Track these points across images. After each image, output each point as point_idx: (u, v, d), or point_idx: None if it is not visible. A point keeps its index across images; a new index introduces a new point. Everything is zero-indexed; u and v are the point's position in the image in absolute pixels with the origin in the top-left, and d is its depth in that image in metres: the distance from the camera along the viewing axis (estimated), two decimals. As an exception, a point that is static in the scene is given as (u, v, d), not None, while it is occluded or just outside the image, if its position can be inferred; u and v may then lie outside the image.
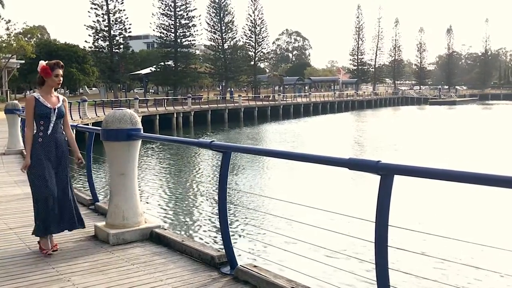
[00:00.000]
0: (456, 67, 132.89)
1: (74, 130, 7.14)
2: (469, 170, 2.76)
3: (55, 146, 5.05)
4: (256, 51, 78.72)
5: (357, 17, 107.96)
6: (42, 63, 5.03)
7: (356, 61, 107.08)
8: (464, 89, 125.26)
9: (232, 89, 75.91)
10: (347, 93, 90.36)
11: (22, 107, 16.06)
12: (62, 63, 5.15)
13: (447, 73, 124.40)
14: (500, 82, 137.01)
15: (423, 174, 3.03)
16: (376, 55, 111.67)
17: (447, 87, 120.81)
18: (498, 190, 2.71)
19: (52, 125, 5.02)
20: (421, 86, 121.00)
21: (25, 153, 5.20)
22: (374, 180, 3.14)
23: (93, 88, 78.45)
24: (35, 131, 5.00)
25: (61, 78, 5.09)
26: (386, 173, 3.06)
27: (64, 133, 5.21)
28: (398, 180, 3.06)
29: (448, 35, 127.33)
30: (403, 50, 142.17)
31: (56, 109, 5.05)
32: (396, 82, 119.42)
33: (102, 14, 59.66)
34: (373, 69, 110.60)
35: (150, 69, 64.65)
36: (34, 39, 56.25)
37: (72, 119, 27.21)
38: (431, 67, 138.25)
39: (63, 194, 5.10)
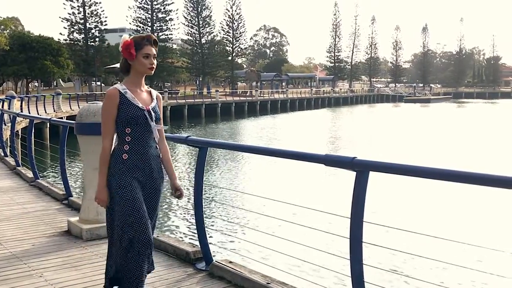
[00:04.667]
0: (431, 65, 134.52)
1: (48, 124, 7.01)
2: (442, 167, 2.79)
3: (147, 168, 3.28)
4: (234, 47, 78.57)
5: (334, 14, 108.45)
6: (125, 37, 3.27)
7: (333, 58, 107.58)
8: (438, 87, 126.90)
9: (210, 84, 75.62)
10: (323, 90, 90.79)
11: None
12: (155, 38, 3.34)
13: (422, 71, 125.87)
14: (473, 81, 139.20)
15: (398, 170, 3.06)
16: (353, 52, 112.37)
17: (422, 85, 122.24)
18: (471, 187, 2.74)
19: (144, 134, 3.26)
20: (397, 84, 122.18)
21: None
22: (350, 176, 3.15)
23: (68, 82, 77.31)
24: (115, 144, 3.30)
25: (154, 61, 3.29)
26: (362, 169, 3.08)
27: (158, 147, 3.40)
28: (374, 177, 3.08)
29: (423, 33, 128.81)
30: (379, 47, 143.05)
31: (151, 111, 3.28)
32: (372, 79, 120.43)
33: (78, 6, 58.96)
34: (350, 66, 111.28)
35: (126, 63, 63.97)
36: (8, 30, 55.27)
37: (46, 112, 26.85)
38: (406, 65, 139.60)
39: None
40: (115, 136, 3.31)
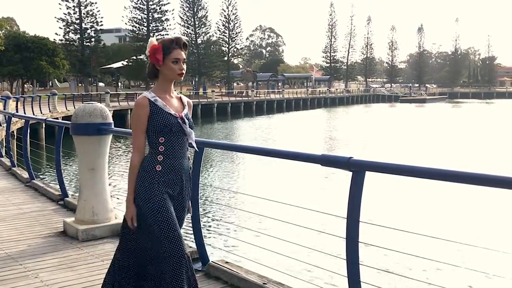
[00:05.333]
0: (427, 65, 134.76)
1: (43, 124, 7.00)
2: (437, 167, 2.80)
3: (179, 182, 3.05)
4: (230, 47, 78.52)
5: (330, 15, 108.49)
6: (153, 41, 3.05)
7: (328, 58, 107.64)
8: (434, 87, 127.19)
9: (206, 85, 75.58)
10: (319, 90, 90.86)
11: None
12: (184, 41, 3.09)
13: (418, 72, 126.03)
14: (469, 81, 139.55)
15: (393, 170, 3.06)
16: (349, 52, 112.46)
17: (417, 85, 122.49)
18: (467, 186, 2.75)
19: (179, 143, 3.03)
20: (392, 84, 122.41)
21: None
22: (347, 176, 3.16)
23: (64, 82, 77.12)
24: (147, 154, 3.06)
25: (184, 66, 3.05)
26: (358, 169, 3.08)
27: (189, 158, 3.20)
28: (370, 177, 3.09)
29: (419, 34, 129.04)
30: (375, 48, 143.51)
31: (184, 118, 3.06)
32: (367, 79, 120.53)
33: (73, 6, 58.71)
34: (346, 67, 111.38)
35: (122, 63, 63.89)
36: (3, 31, 55.05)
37: (41, 113, 26.78)
38: (402, 65, 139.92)
39: None
40: (147, 146, 3.07)
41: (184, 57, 3.05)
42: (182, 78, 3.07)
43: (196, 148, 3.22)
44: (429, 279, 7.00)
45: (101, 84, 74.40)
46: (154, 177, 2.96)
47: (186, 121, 3.05)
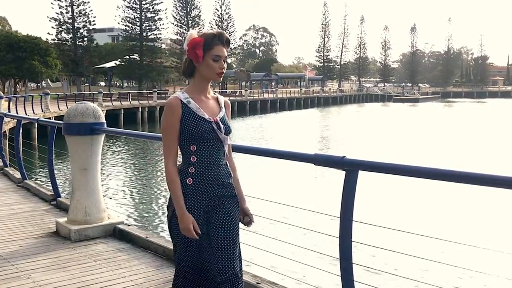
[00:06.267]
0: (419, 65, 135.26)
1: (36, 124, 6.95)
2: (430, 166, 2.81)
3: (216, 192, 2.72)
4: (223, 46, 78.43)
5: (324, 14, 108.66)
6: (193, 34, 2.69)
7: (322, 58, 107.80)
8: (427, 87, 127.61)
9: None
10: (313, 90, 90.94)
11: None
12: (227, 36, 2.76)
13: (411, 71, 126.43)
14: (461, 80, 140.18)
15: (387, 170, 3.07)
16: (342, 52, 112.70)
17: (410, 84, 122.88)
18: (461, 185, 2.76)
19: (213, 151, 2.71)
20: (385, 84, 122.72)
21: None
22: (340, 175, 3.16)
23: (56, 82, 76.80)
24: (180, 165, 2.75)
25: (225, 64, 2.73)
26: (351, 168, 3.09)
27: (228, 164, 2.85)
28: (363, 176, 3.09)
29: (412, 33, 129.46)
30: (368, 47, 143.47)
31: (219, 122, 2.72)
32: (361, 79, 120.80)
33: (66, 6, 58.54)
34: (339, 66, 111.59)
35: (115, 63, 63.69)
36: (-6, 30, 54.71)
37: (34, 112, 26.65)
38: (395, 65, 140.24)
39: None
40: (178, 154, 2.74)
41: (226, 54, 2.73)
42: (221, 78, 2.75)
43: (230, 152, 2.89)
44: (422, 278, 7.03)
45: (102, 84, 73.98)
46: (185, 191, 2.64)
47: (222, 125, 2.71)
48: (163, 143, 2.72)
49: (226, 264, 2.69)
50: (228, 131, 2.75)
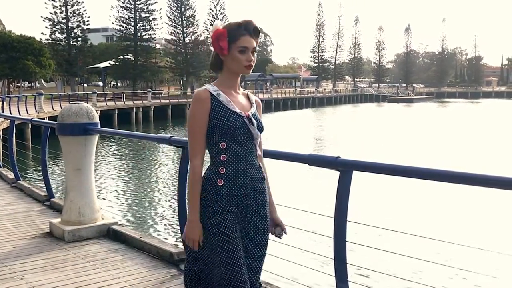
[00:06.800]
0: (414, 65, 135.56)
1: (29, 124, 6.92)
2: (425, 166, 2.81)
3: (249, 196, 2.50)
4: (218, 46, 78.33)
5: (318, 15, 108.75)
6: (217, 25, 2.50)
7: (316, 58, 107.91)
8: (421, 87, 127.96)
9: (194, 84, 75.34)
10: (308, 90, 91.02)
11: None
12: (255, 25, 2.52)
13: (405, 71, 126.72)
14: (456, 81, 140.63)
15: (381, 170, 3.08)
16: (337, 52, 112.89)
17: (404, 85, 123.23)
18: (455, 186, 2.76)
19: (245, 149, 2.49)
20: (380, 84, 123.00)
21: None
22: (334, 175, 3.16)
23: (50, 82, 76.52)
24: (209, 165, 2.54)
25: (254, 57, 2.51)
26: (345, 168, 3.09)
27: (261, 167, 2.64)
28: (358, 176, 3.09)
29: (406, 34, 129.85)
30: (362, 48, 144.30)
31: (252, 119, 2.52)
32: (355, 79, 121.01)
33: (60, 5, 58.28)
34: (334, 67, 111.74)
35: (109, 63, 63.54)
36: (-12, 30, 54.43)
37: (27, 113, 26.54)
38: (389, 65, 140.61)
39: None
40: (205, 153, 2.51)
41: (255, 45, 2.51)
42: (251, 71, 2.54)
43: (261, 154, 2.64)
44: (415, 278, 7.04)
45: (100, 83, 73.66)
46: (215, 193, 2.42)
47: (254, 121, 2.50)
48: (189, 140, 2.49)
49: (254, 278, 2.53)
50: (261, 128, 2.55)
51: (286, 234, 2.70)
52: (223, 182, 2.43)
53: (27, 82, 67.24)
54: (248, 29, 2.48)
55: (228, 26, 2.48)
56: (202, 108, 2.44)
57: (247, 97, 2.63)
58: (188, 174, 2.49)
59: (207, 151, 2.52)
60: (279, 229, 2.66)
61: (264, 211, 2.56)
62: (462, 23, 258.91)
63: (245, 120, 2.47)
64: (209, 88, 2.49)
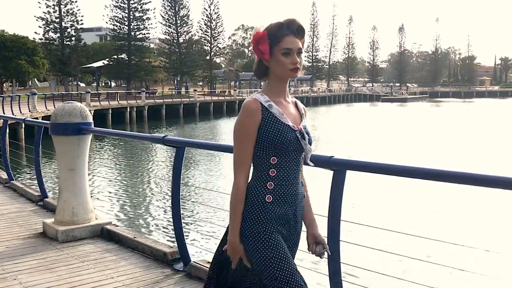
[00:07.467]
0: (408, 65, 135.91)
1: (23, 124, 6.90)
2: (418, 166, 2.82)
3: (293, 216, 2.35)
4: (212, 46, 78.31)
5: (312, 14, 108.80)
6: (257, 27, 2.32)
7: (310, 58, 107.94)
8: (415, 87, 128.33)
9: (188, 84, 75.26)
10: (302, 90, 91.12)
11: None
12: (299, 24, 2.31)
13: (399, 71, 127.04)
14: (449, 80, 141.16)
15: (375, 169, 3.09)
16: (331, 52, 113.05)
17: (398, 84, 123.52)
18: (449, 185, 2.77)
19: (294, 165, 2.33)
20: (374, 83, 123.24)
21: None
22: (328, 175, 3.16)
23: (44, 81, 76.25)
24: (252, 179, 2.33)
25: (300, 59, 2.30)
26: (339, 168, 3.10)
27: (303, 184, 2.48)
28: (351, 175, 3.10)
29: (400, 33, 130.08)
30: (356, 47, 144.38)
31: (304, 133, 2.35)
32: (349, 79, 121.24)
33: (53, 5, 58.06)
34: (328, 66, 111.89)
35: (103, 62, 63.34)
36: (-19, 29, 54.18)
37: (21, 112, 26.43)
38: (383, 65, 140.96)
39: None
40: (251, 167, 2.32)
41: (300, 46, 2.30)
42: (298, 74, 2.32)
43: (312, 164, 2.42)
44: (409, 277, 7.06)
45: (82, 85, 73.51)
46: (263, 211, 2.24)
47: (306, 136, 2.33)
48: (235, 154, 2.29)
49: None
50: (311, 142, 2.36)
51: (329, 253, 2.54)
52: (272, 198, 2.25)
53: (17, 83, 66.94)
54: (291, 28, 2.29)
55: (268, 27, 2.29)
56: (252, 121, 2.25)
57: (296, 105, 2.44)
58: (231, 191, 2.28)
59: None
60: (320, 247, 2.45)
61: (299, 231, 2.42)
62: (455, 23, 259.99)
63: (297, 134, 2.29)
64: (259, 98, 2.28)
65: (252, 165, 2.30)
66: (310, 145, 2.35)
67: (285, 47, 2.25)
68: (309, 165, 2.39)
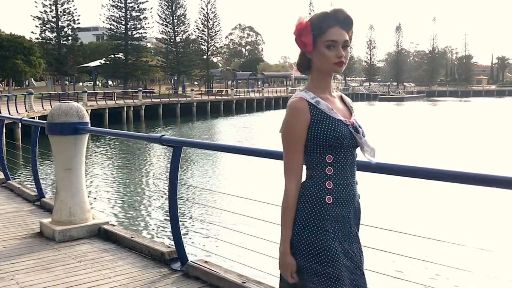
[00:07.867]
0: (405, 64, 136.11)
1: (19, 124, 6.90)
2: (415, 165, 2.83)
3: (351, 218, 2.19)
4: (209, 45, 78.29)
5: (309, 14, 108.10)
6: (300, 18, 2.16)
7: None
8: (412, 86, 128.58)
9: (185, 83, 75.20)
10: (299, 89, 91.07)
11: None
12: (346, 15, 2.18)
13: (396, 70, 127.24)
14: (446, 79, 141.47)
15: (370, 168, 3.08)
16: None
17: (395, 83, 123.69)
18: (446, 184, 2.78)
19: (350, 162, 2.17)
20: (371, 83, 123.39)
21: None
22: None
23: (40, 81, 76.12)
24: (308, 178, 2.18)
25: (346, 53, 2.16)
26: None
27: (357, 182, 2.27)
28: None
29: (397, 32, 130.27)
30: (353, 47, 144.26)
31: (356, 126, 2.20)
32: (346, 78, 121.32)
33: (50, 4, 57.99)
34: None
35: (100, 62, 63.26)
36: (-23, 29, 54.07)
37: (17, 112, 26.38)
38: (380, 64, 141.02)
39: None
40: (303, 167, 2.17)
41: (346, 38, 2.14)
42: (343, 68, 2.17)
43: (374, 161, 2.23)
44: (409, 277, 7.07)
45: (80, 84, 73.33)
46: (323, 214, 2.06)
47: (359, 129, 2.18)
48: (285, 157, 2.16)
49: None
50: (364, 135, 2.20)
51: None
52: (332, 199, 2.07)
53: (14, 82, 66.83)
54: (337, 19, 2.13)
55: (313, 17, 2.14)
56: (300, 121, 2.10)
57: (342, 100, 2.28)
58: (283, 198, 2.15)
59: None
60: None
61: (357, 232, 2.23)
62: (452, 22, 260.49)
63: (350, 128, 2.14)
64: (305, 96, 2.14)
65: (305, 166, 2.17)
66: (364, 137, 2.19)
67: (329, 39, 2.10)
68: (369, 160, 2.21)
